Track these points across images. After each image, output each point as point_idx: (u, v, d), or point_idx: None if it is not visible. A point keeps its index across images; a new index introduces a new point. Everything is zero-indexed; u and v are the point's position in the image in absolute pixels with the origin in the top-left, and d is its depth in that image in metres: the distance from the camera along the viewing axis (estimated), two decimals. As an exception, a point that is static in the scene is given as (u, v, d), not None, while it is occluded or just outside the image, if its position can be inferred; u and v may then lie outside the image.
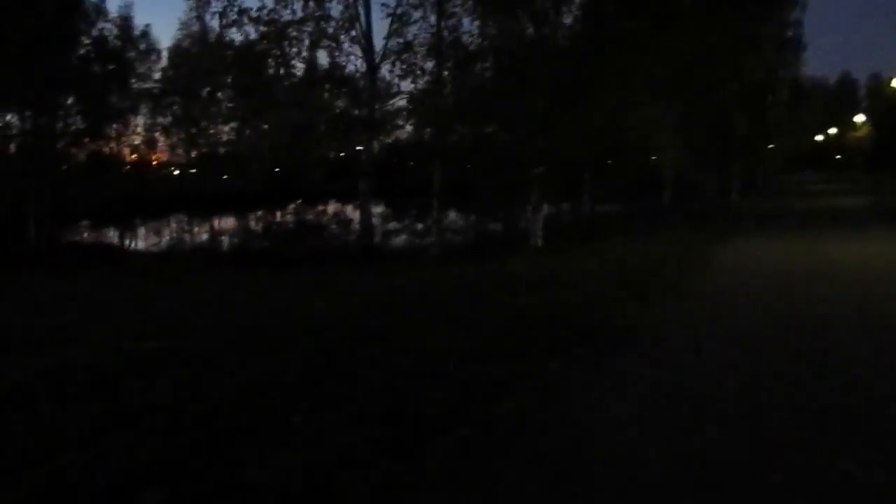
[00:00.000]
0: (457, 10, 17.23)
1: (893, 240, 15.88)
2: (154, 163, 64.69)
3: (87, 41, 27.24)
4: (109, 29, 33.37)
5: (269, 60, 17.74)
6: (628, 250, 14.90)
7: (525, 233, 17.47)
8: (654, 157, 19.55)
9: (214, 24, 18.41)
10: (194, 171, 63.60)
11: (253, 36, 17.06)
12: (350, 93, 18.23)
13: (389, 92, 18.21)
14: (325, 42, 17.17)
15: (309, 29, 17.43)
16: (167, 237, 37.04)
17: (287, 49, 17.23)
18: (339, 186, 40.92)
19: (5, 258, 20.22)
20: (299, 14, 16.88)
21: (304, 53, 17.27)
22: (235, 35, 17.72)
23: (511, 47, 17.81)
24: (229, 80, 48.38)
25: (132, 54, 52.88)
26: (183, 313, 9.48)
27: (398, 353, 6.24)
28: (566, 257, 14.26)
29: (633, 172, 19.59)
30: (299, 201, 38.64)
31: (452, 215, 26.15)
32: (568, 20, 17.68)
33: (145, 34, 55.45)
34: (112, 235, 36.30)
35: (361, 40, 17.51)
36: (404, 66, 17.19)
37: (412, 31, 17.54)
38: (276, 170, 55.74)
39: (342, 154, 50.58)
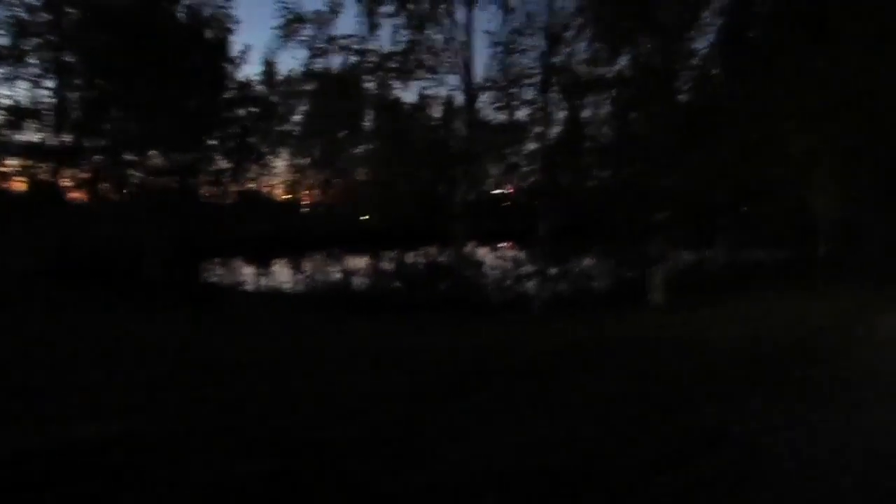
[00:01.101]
0: (568, 34, 15.19)
1: None
2: (300, 202, 65.87)
3: (232, 85, 27.57)
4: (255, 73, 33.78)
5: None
6: (763, 313, 12.07)
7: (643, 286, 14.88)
8: (805, 200, 16.28)
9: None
10: (335, 209, 64.50)
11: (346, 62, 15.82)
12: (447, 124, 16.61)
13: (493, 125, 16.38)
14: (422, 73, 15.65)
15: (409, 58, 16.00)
16: (301, 275, 36.63)
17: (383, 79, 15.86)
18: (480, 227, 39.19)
19: (107, 292, 20.01)
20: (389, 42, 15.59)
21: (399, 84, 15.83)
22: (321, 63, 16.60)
23: (635, 75, 15.52)
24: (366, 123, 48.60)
25: (275, 98, 54.47)
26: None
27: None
28: (687, 319, 11.68)
29: (782, 217, 16.40)
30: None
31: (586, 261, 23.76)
32: (701, 44, 15.20)
33: (290, 80, 56.95)
34: (239, 273, 36.47)
35: (461, 69, 15.85)
36: (506, 97, 15.33)
37: (519, 59, 15.65)
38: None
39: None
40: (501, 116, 16.58)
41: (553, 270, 17.03)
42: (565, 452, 5.02)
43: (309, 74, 17.34)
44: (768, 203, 15.56)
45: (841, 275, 18.67)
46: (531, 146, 16.50)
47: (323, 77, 17.07)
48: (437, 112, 17.08)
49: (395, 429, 5.57)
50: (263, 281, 33.01)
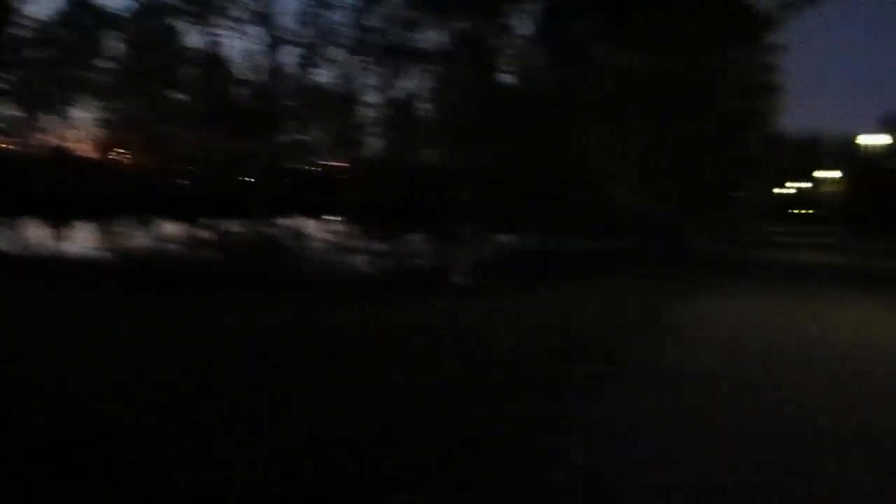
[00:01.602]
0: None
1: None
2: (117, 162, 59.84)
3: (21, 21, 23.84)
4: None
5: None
6: (565, 302, 11.97)
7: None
8: (611, 191, 16.63)
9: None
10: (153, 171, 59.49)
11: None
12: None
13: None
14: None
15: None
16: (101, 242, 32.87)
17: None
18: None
19: None
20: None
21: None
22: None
23: (452, 48, 14.86)
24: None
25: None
26: None
27: None
28: (485, 307, 11.24)
29: (594, 208, 16.61)
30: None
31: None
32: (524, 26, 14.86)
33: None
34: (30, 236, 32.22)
35: (262, 18, 14.38)
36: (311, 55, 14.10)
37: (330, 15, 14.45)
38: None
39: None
40: (318, 79, 15.31)
41: (378, 248, 16.11)
42: (297, 464, 4.11)
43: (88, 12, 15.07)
44: (578, 192, 15.59)
45: (644, 264, 19.41)
46: (361, 117, 15.42)
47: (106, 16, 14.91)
48: (241, 67, 15.46)
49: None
50: (58, 246, 29.35)
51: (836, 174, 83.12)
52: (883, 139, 53.74)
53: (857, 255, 33.51)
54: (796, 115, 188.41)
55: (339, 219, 23.17)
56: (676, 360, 7.73)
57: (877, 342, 9.47)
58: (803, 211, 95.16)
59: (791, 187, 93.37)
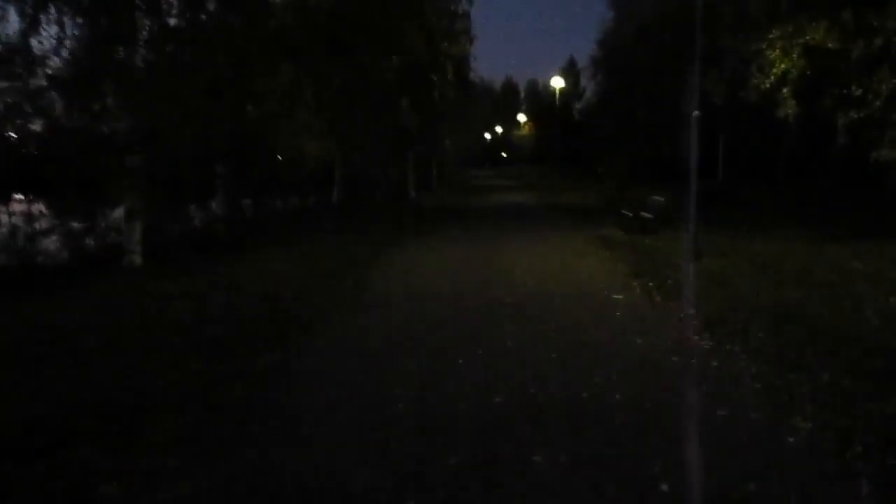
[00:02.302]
0: None
1: (566, 247, 13.70)
2: None
3: None
4: None
5: None
6: (255, 270, 10.57)
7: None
8: (299, 146, 15.28)
9: None
10: None
11: None
12: None
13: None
14: None
15: None
16: None
17: None
18: None
19: None
20: None
21: None
22: None
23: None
24: None
25: None
26: None
27: None
28: (162, 285, 9.41)
29: (282, 165, 15.18)
30: None
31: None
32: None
33: None
34: None
35: None
36: None
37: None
38: None
39: None
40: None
41: (76, 225, 12.96)
42: None
43: None
44: (263, 150, 14.04)
45: (349, 222, 18.65)
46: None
47: None
48: None
49: None
50: None
51: (524, 118, 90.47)
52: (563, 82, 58.89)
53: (547, 192, 36.73)
54: (492, 63, 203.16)
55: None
56: (366, 325, 6.88)
57: (566, 279, 9.53)
58: (504, 154, 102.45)
59: (492, 131, 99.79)
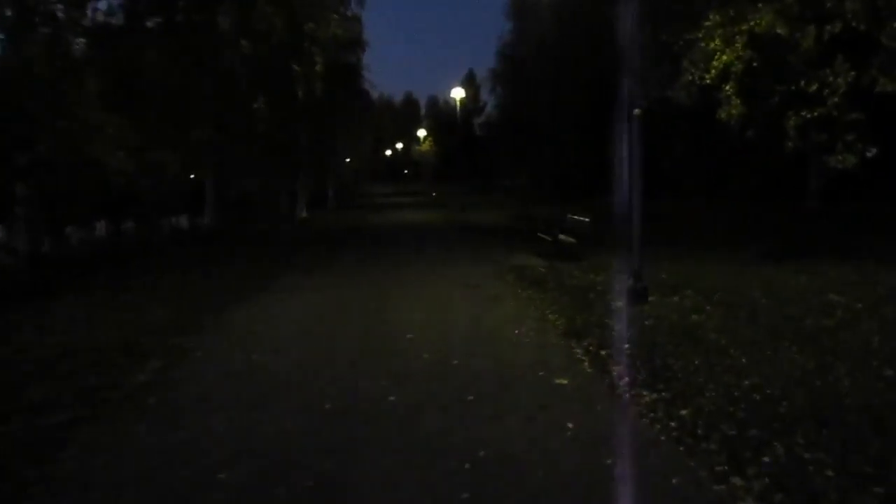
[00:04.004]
0: None
1: (476, 285, 10.89)
2: None
3: None
4: None
5: None
6: (21, 338, 7.12)
7: None
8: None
9: None
10: None
11: None
12: None
13: None
14: None
15: None
16: None
17: None
18: None
19: None
20: None
21: None
22: None
23: None
24: None
25: None
26: None
27: None
28: None
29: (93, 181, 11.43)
30: None
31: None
32: None
33: None
34: None
35: None
36: None
37: None
38: None
39: None
40: None
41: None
42: None
43: None
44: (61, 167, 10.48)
45: (212, 255, 15.22)
46: None
47: None
48: None
49: None
50: None
51: (425, 133, 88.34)
52: (463, 92, 56.72)
53: (450, 210, 34.00)
54: (393, 78, 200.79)
55: None
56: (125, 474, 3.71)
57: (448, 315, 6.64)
58: (406, 171, 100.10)
59: (393, 147, 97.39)
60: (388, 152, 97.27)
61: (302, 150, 29.65)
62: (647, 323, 6.98)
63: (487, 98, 65.68)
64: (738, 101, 11.92)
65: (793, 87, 11.54)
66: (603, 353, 6.07)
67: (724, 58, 11.70)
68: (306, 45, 19.81)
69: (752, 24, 11.38)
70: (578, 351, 6.29)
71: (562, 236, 13.53)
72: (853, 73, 10.99)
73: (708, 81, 12.15)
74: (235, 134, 15.82)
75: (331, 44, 26.15)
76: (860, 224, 15.33)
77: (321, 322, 8.17)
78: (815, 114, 11.44)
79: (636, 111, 8.08)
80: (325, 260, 14.64)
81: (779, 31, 11.07)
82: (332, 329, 7.73)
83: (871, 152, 11.49)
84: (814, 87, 11.29)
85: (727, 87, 12.07)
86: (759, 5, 11.23)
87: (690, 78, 12.62)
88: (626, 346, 6.14)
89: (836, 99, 11.23)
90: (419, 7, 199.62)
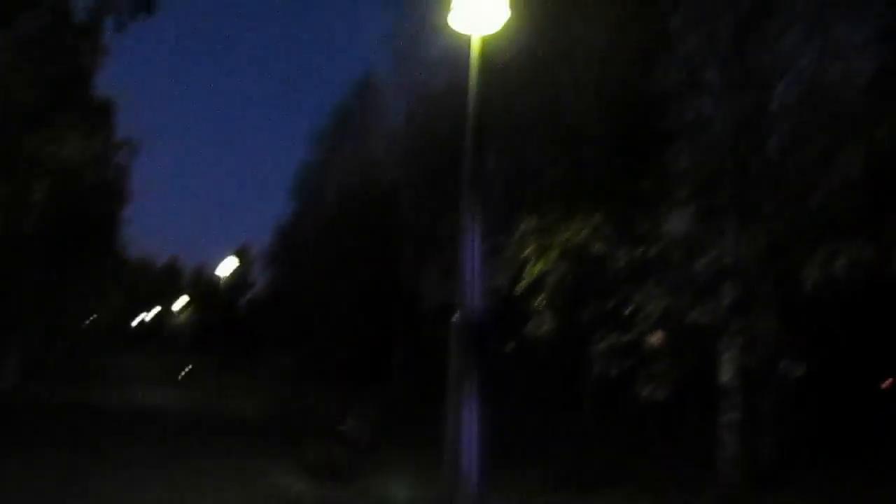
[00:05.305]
0: None
1: None
2: None
3: None
4: None
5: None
6: None
7: None
8: None
9: None
10: None
11: None
12: None
13: None
14: None
15: None
16: None
17: None
18: None
19: None
20: None
21: None
22: None
23: None
24: None
25: None
26: None
27: None
28: None
29: None
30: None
31: None
32: None
33: None
34: None
35: None
36: None
37: None
38: None
39: None
40: None
41: None
42: None
43: None
44: None
45: None
46: None
47: None
48: None
49: None
50: None
51: (185, 301, 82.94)
52: (230, 268, 53.84)
53: (201, 391, 29.68)
54: (157, 242, 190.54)
55: None
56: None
57: None
58: (160, 338, 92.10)
59: (149, 314, 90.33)
60: (144, 317, 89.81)
61: (24, 300, 24.76)
62: None
63: (259, 274, 63.51)
64: (551, 315, 10.91)
65: (606, 308, 10.80)
66: None
67: (538, 267, 10.76)
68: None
69: (565, 237, 10.65)
70: None
71: (339, 443, 11.02)
72: (665, 300, 10.46)
73: (518, 293, 11.05)
74: None
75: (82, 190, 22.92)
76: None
77: None
78: (627, 339, 10.66)
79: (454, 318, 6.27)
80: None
81: (593, 249, 10.41)
82: None
83: (677, 386, 10.83)
84: (627, 311, 10.59)
85: (538, 300, 11.04)
86: (574, 220, 10.60)
87: (497, 282, 11.48)
88: None
89: (643, 327, 10.57)
90: (199, 173, 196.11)
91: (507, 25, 6.41)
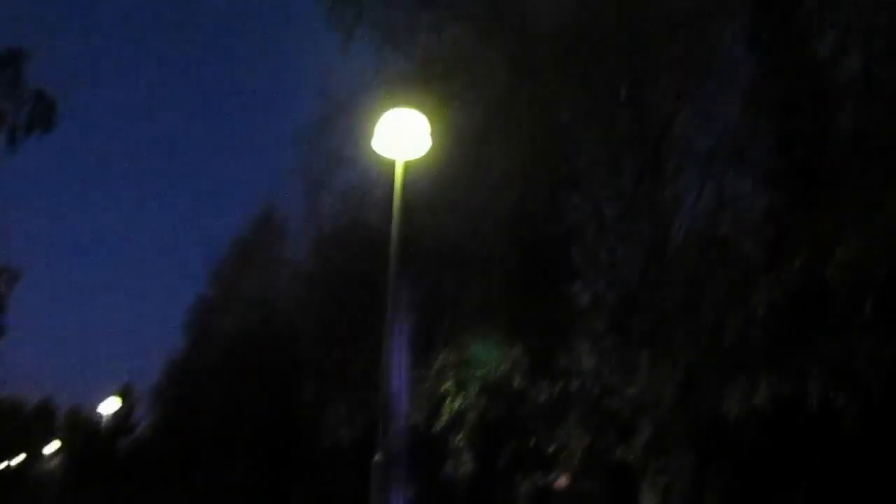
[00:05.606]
0: None
1: None
2: None
3: None
4: None
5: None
6: None
7: None
8: None
9: None
10: None
11: None
12: None
13: None
14: None
15: None
16: None
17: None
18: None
19: None
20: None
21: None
22: None
23: None
24: None
25: None
26: None
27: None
28: None
29: None
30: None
31: None
32: None
33: None
34: None
35: None
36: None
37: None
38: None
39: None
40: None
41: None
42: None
43: None
44: None
45: None
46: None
47: None
48: None
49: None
50: None
51: (59, 445, 75.86)
52: (112, 408, 50.08)
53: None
54: (30, 376, 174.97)
55: None
56: None
57: None
58: (25, 491, 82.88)
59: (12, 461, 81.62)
60: (8, 463, 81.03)
61: None
62: None
63: (143, 414, 59.31)
64: (470, 457, 10.28)
65: (528, 446, 10.30)
66: None
67: (456, 403, 10.24)
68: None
69: (484, 371, 10.28)
70: None
71: None
72: (587, 437, 10.08)
73: (437, 430, 10.44)
74: None
75: None
76: None
77: None
78: (549, 478, 10.13)
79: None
80: None
81: (514, 383, 10.05)
82: None
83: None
84: (550, 449, 10.12)
85: (458, 439, 10.44)
86: (493, 353, 10.28)
87: (415, 417, 10.83)
88: None
89: (565, 468, 10.10)
90: (76, 310, 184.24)
91: (427, 155, 6.35)
